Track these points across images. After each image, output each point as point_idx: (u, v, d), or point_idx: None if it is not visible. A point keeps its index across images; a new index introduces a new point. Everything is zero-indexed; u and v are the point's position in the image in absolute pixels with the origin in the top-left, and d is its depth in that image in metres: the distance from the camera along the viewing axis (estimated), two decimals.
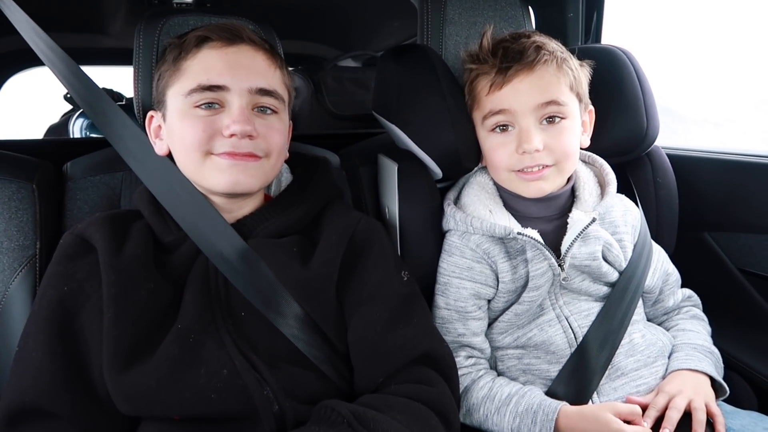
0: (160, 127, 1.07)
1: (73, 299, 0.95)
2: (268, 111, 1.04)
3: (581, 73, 1.14)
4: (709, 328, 1.23)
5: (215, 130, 0.98)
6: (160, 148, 1.06)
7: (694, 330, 1.20)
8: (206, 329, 0.94)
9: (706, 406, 1.02)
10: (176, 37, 1.07)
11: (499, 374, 1.14)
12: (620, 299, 1.12)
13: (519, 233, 1.08)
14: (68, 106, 2.71)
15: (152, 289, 0.95)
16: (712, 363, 1.12)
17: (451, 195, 1.23)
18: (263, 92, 1.02)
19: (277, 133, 1.04)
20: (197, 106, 0.99)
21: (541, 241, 1.09)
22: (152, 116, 1.08)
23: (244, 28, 1.05)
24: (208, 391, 0.89)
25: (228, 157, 0.99)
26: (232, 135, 0.97)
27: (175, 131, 1.01)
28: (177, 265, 0.99)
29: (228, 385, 0.90)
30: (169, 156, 1.06)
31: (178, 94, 1.00)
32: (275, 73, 1.06)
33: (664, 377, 1.11)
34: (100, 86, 1.07)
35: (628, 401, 1.04)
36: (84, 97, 1.03)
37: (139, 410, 0.92)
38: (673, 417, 1.00)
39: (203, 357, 0.91)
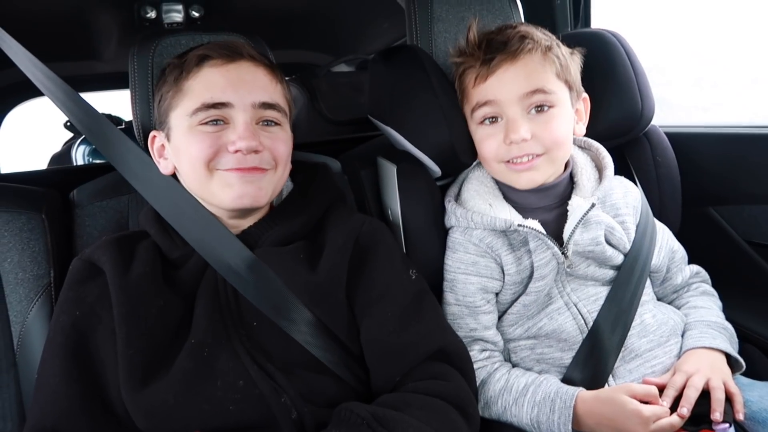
0: (163, 146, 1.08)
1: (86, 322, 0.96)
2: (272, 123, 1.05)
3: (570, 60, 1.13)
4: (720, 303, 1.23)
5: (221, 145, 1.00)
6: (164, 168, 1.08)
7: (706, 306, 1.20)
8: (219, 341, 0.95)
9: (724, 384, 1.01)
10: (176, 57, 1.08)
11: (514, 366, 1.14)
12: (627, 281, 1.12)
13: (520, 225, 1.08)
14: (69, 134, 2.74)
15: (162, 305, 0.96)
16: (727, 339, 1.11)
17: (452, 191, 1.23)
18: (266, 106, 1.03)
19: (282, 143, 1.06)
20: (203, 123, 1.00)
21: (543, 231, 1.09)
22: (155, 136, 1.10)
23: (243, 45, 1.06)
24: (226, 403, 0.90)
25: (235, 171, 1.00)
26: (237, 151, 0.99)
27: (182, 149, 1.02)
28: (186, 279, 1.00)
29: (245, 395, 0.91)
30: (173, 176, 1.07)
31: (182, 114, 1.02)
32: (276, 87, 1.07)
33: (678, 356, 1.11)
34: (101, 111, 1.08)
35: (644, 383, 1.04)
36: (84, 123, 1.05)
37: (158, 427, 0.93)
38: (691, 396, 0.99)
39: (218, 369, 0.93)
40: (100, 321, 0.96)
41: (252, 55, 1.05)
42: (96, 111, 1.06)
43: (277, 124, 1.06)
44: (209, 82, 1.01)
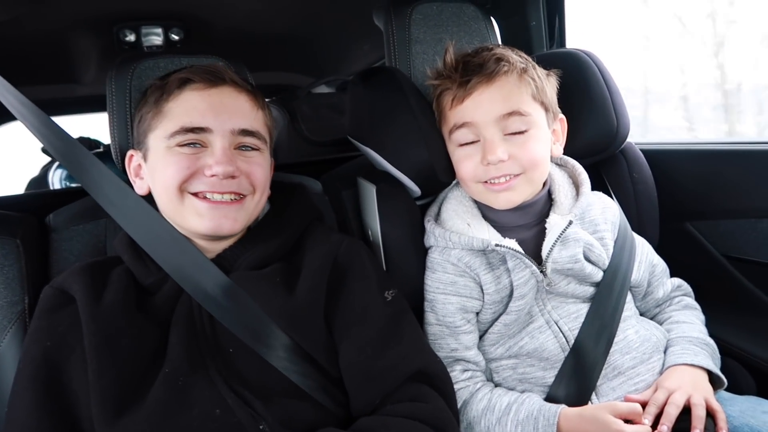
0: (140, 166, 1.07)
1: (58, 353, 0.94)
2: (250, 149, 1.05)
3: (545, 82, 1.15)
4: (702, 317, 1.24)
5: (198, 168, 0.99)
6: (140, 188, 1.07)
7: (688, 321, 1.20)
8: (195, 370, 0.93)
9: (706, 401, 1.01)
10: (158, 79, 1.08)
11: (496, 386, 1.13)
12: (608, 296, 1.12)
13: (497, 245, 1.09)
14: (47, 159, 2.71)
15: (136, 334, 0.94)
16: (709, 355, 1.12)
17: (431, 211, 1.24)
18: (246, 133, 1.03)
19: (259, 168, 1.05)
20: (180, 145, 1.00)
21: (520, 250, 1.10)
22: (132, 155, 1.09)
23: (226, 70, 1.06)
24: None
25: (206, 201, 0.99)
26: (213, 175, 0.98)
27: (158, 170, 1.02)
28: (160, 306, 0.99)
29: (222, 424, 0.89)
30: (149, 197, 1.06)
31: (160, 136, 1.01)
32: (257, 114, 1.07)
33: (661, 373, 1.11)
34: (79, 134, 1.07)
35: (626, 400, 1.04)
36: (58, 148, 1.04)
37: None
38: (671, 413, 0.99)
39: (194, 398, 0.91)
40: (73, 351, 0.94)
41: (234, 81, 1.05)
42: (69, 136, 1.05)
43: (255, 149, 1.06)
44: (190, 105, 1.01)
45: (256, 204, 1.06)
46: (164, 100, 1.03)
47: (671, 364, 1.10)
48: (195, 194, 1.00)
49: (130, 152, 1.10)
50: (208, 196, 1.00)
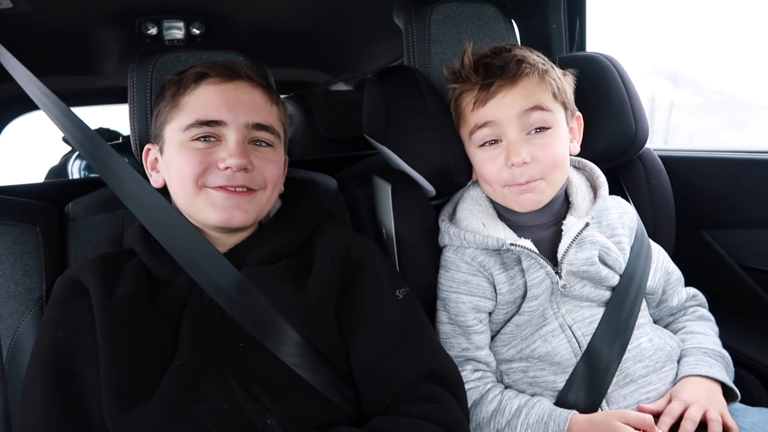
0: (156, 159, 1.09)
1: (69, 343, 0.95)
2: (264, 144, 1.06)
3: (564, 82, 1.15)
4: (716, 328, 1.22)
5: (211, 162, 1.00)
6: (155, 181, 1.08)
7: (703, 332, 1.19)
8: (205, 363, 0.94)
9: (722, 416, 1.00)
10: (175, 74, 1.10)
11: (506, 388, 1.13)
12: (622, 302, 1.12)
13: (512, 244, 1.08)
14: (68, 148, 2.74)
15: (147, 327, 0.95)
16: (723, 368, 1.10)
17: (446, 211, 1.24)
18: (260, 127, 1.04)
19: (272, 164, 1.06)
20: (194, 139, 1.01)
21: (535, 250, 1.09)
22: (149, 149, 1.11)
23: (241, 66, 1.07)
24: (210, 427, 0.89)
25: (222, 191, 1.00)
26: (227, 168, 0.99)
27: (172, 163, 1.03)
28: (172, 299, 0.99)
29: (230, 418, 0.90)
30: (165, 190, 1.07)
31: (176, 128, 1.03)
32: (272, 109, 1.08)
33: (673, 383, 1.09)
34: (100, 125, 1.09)
35: (639, 410, 1.03)
36: (77, 139, 1.05)
37: None
38: (689, 429, 0.98)
39: (203, 392, 0.91)
40: (84, 342, 0.95)
41: (249, 76, 1.07)
42: (88, 128, 1.06)
43: (269, 145, 1.07)
44: (206, 99, 1.02)
45: (267, 199, 1.07)
46: (181, 94, 1.04)
47: (686, 375, 1.09)
48: (211, 188, 1.01)
49: (147, 146, 1.11)
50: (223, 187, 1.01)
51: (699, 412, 1.00)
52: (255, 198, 1.03)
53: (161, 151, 1.07)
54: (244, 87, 1.05)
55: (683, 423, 0.99)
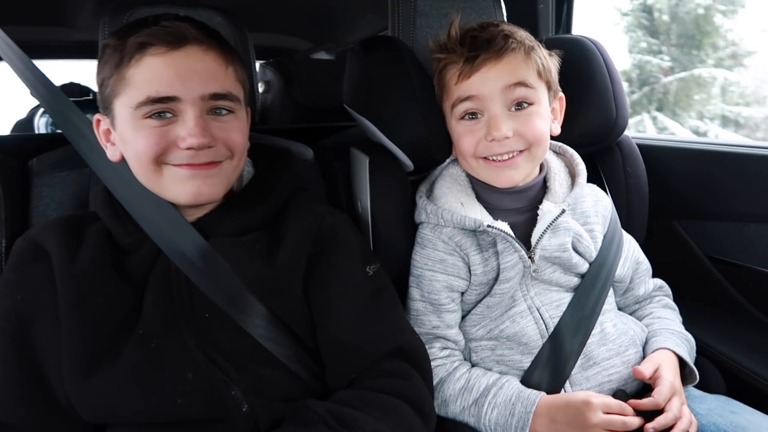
0: (109, 131, 1.00)
1: (29, 307, 0.92)
2: (224, 112, 0.98)
3: (550, 61, 1.14)
4: (680, 318, 1.25)
5: (169, 141, 0.93)
6: (112, 154, 1.00)
7: (669, 318, 1.22)
8: (169, 333, 0.92)
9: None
10: (114, 37, 0.96)
11: (473, 365, 1.14)
12: (591, 288, 1.13)
13: (489, 226, 1.08)
14: (36, 102, 2.65)
15: (111, 294, 0.92)
16: (687, 350, 1.13)
17: (424, 187, 1.22)
18: (218, 96, 0.95)
19: (236, 133, 0.99)
20: (148, 117, 0.92)
21: (511, 233, 1.09)
22: (99, 120, 1.01)
23: (188, 29, 0.95)
24: (173, 396, 0.88)
25: (186, 168, 0.94)
26: (189, 148, 0.92)
27: (128, 141, 0.95)
28: (137, 266, 0.96)
29: (194, 388, 0.89)
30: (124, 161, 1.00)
31: (126, 105, 0.93)
32: (228, 72, 0.99)
33: (635, 365, 1.11)
34: (70, 80, 1.04)
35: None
36: (41, 93, 1.01)
37: (103, 418, 0.91)
38: (667, 422, 0.98)
39: (166, 361, 0.90)
40: (44, 307, 0.92)
41: (198, 39, 0.94)
42: (52, 83, 1.01)
43: (230, 111, 0.99)
44: (154, 73, 0.91)
45: (234, 167, 1.00)
46: (125, 65, 0.92)
47: (661, 346, 1.11)
48: (173, 165, 0.95)
49: (96, 116, 1.01)
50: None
51: (680, 406, 1.00)
52: (222, 169, 0.97)
53: (113, 125, 0.98)
54: (195, 53, 0.94)
55: (666, 414, 0.98)
